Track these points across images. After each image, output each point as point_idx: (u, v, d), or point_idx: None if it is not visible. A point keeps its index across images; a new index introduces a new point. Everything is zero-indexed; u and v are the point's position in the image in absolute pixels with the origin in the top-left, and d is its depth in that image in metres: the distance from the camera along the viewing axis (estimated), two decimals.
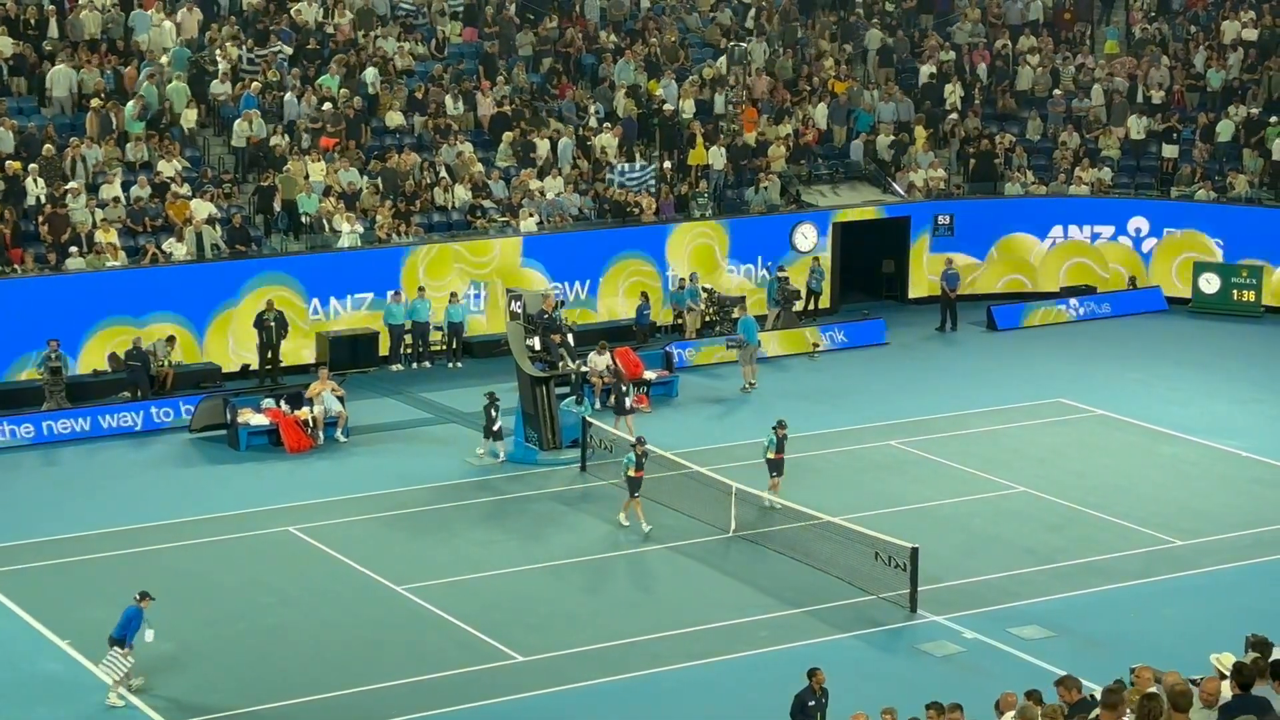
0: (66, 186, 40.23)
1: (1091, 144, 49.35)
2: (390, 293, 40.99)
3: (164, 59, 44.41)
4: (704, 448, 35.35)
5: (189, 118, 43.06)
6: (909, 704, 23.12)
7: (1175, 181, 48.22)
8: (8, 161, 40.54)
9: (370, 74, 45.75)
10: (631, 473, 31.50)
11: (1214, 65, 50.59)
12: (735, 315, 41.94)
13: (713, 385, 40.68)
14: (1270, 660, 17.44)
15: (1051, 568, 29.21)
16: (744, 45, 50.48)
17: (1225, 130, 48.63)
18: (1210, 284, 46.59)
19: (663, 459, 33.71)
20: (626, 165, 45.39)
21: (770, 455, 32.30)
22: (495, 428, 35.44)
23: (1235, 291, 46.42)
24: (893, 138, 48.53)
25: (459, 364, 41.47)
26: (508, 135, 45.30)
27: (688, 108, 47.50)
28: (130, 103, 42.66)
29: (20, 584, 29.22)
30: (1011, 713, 20.22)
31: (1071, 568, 29.56)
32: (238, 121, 43.08)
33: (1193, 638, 25.10)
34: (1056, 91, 50.47)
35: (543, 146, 45.13)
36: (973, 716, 20.26)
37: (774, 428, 32.36)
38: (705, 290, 43.89)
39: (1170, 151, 48.70)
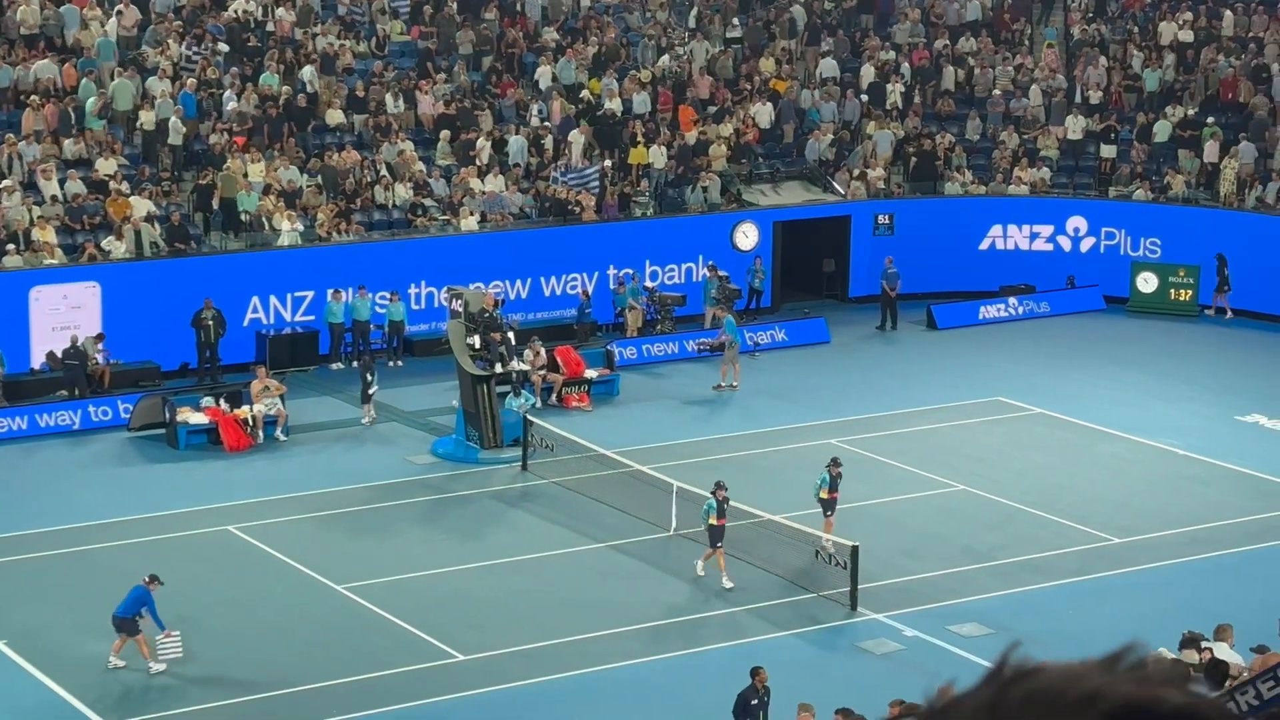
0: (1, 184, 39.93)
1: (1030, 144, 49.56)
2: (330, 291, 40.83)
3: (105, 57, 44.12)
4: (646, 446, 35.34)
5: (147, 119, 42.67)
6: (851, 701, 23.19)
7: (1113, 181, 48.48)
8: None
9: (308, 72, 45.58)
10: (713, 521, 28.96)
11: (1151, 66, 50.90)
12: (719, 315, 41.82)
13: (654, 384, 40.68)
14: (1209, 662, 17.59)
15: (990, 566, 29.36)
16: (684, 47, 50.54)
17: (1162, 131, 48.93)
18: (1148, 284, 46.84)
19: (604, 457, 33.73)
20: (568, 164, 45.36)
21: (823, 495, 30.17)
22: (370, 391, 36.51)
23: (1173, 291, 46.67)
24: (832, 136, 48.62)
25: (400, 362, 41.34)
26: (445, 134, 45.19)
27: (641, 103, 47.48)
28: (91, 99, 42.45)
29: None
30: None
31: (1010, 565, 29.70)
32: (173, 119, 42.85)
33: (1130, 635, 25.18)
34: (995, 92, 50.67)
35: (484, 145, 45.03)
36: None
37: (828, 466, 30.44)
38: (647, 289, 43.89)
39: (1108, 152, 48.96)
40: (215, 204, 41.63)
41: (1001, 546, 30.47)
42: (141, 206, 40.41)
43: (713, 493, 29.06)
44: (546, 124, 46.38)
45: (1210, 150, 47.77)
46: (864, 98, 50.04)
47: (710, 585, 29.12)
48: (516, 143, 45.45)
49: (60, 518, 31.78)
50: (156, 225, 40.33)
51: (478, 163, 44.70)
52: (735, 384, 39.93)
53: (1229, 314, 45.83)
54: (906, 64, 51.34)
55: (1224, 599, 27.35)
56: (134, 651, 25.68)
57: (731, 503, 29.80)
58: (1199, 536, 31.52)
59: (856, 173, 47.77)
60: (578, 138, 45.81)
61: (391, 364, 41.23)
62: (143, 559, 30.00)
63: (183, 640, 26.51)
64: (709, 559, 28.95)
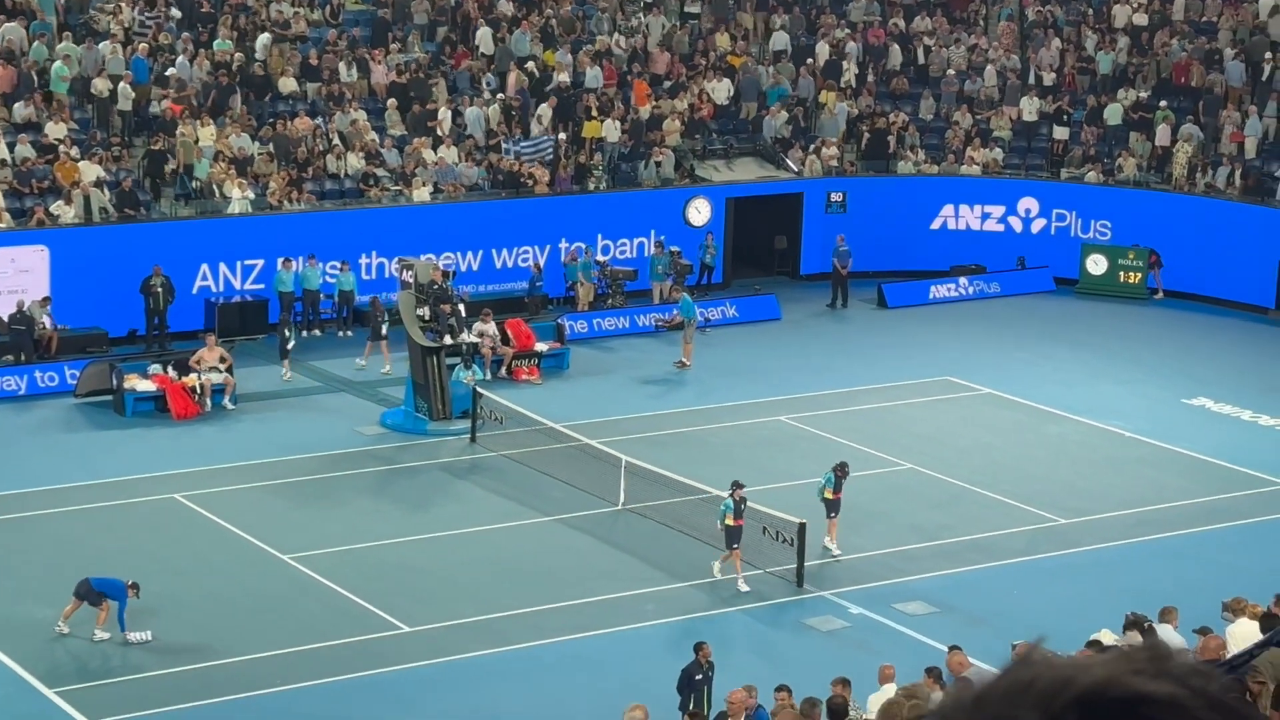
0: None
1: (983, 124, 49.66)
2: (280, 260, 40.64)
3: (52, 20, 43.82)
4: (594, 420, 35.32)
5: (99, 86, 42.32)
6: (795, 678, 23.23)
7: (1065, 163, 48.63)
8: None
9: (263, 39, 45.31)
10: (730, 521, 28.06)
11: (1104, 49, 51.03)
12: (676, 294, 41.80)
13: (603, 358, 40.66)
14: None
15: (936, 545, 29.43)
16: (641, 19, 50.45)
17: (1114, 114, 49.07)
18: (1098, 265, 47.02)
19: (553, 431, 33.70)
20: (522, 136, 45.25)
21: (828, 494, 29.29)
22: (288, 347, 37.17)
23: (1122, 273, 46.87)
24: (786, 115, 48.59)
25: (349, 332, 41.18)
26: (392, 102, 45.00)
27: (594, 77, 47.40)
28: (59, 63, 42.17)
29: None
30: (890, 686, 20.43)
31: (956, 545, 29.80)
32: (124, 85, 42.57)
33: (1074, 615, 25.41)
34: (950, 71, 50.73)
35: (445, 116, 44.89)
36: (856, 690, 20.39)
37: (834, 467, 29.60)
38: (599, 263, 43.83)
39: (1061, 133, 49.10)
40: (172, 168, 41.37)
41: (948, 526, 30.54)
42: (91, 172, 40.14)
43: (730, 493, 28.12)
44: (500, 95, 46.22)
45: (1162, 134, 47.95)
46: (816, 75, 50.05)
47: (660, 561, 29.13)
48: (473, 114, 45.28)
49: (4, 483, 31.55)
50: (106, 191, 40.08)
51: (440, 132, 44.54)
52: (687, 363, 39.92)
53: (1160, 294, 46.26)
54: (852, 42, 51.21)
55: (1169, 581, 27.51)
56: (87, 619, 25.51)
57: (691, 483, 29.80)
58: (1145, 518, 31.68)
59: (812, 149, 47.80)
60: (546, 110, 45.72)
61: (341, 334, 41.09)
62: (88, 526, 29.92)
63: (127, 609, 26.44)
64: (727, 561, 28.15)
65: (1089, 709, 1.93)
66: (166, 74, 43.45)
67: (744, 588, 27.91)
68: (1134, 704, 1.91)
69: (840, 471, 29.24)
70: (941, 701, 2.05)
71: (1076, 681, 1.95)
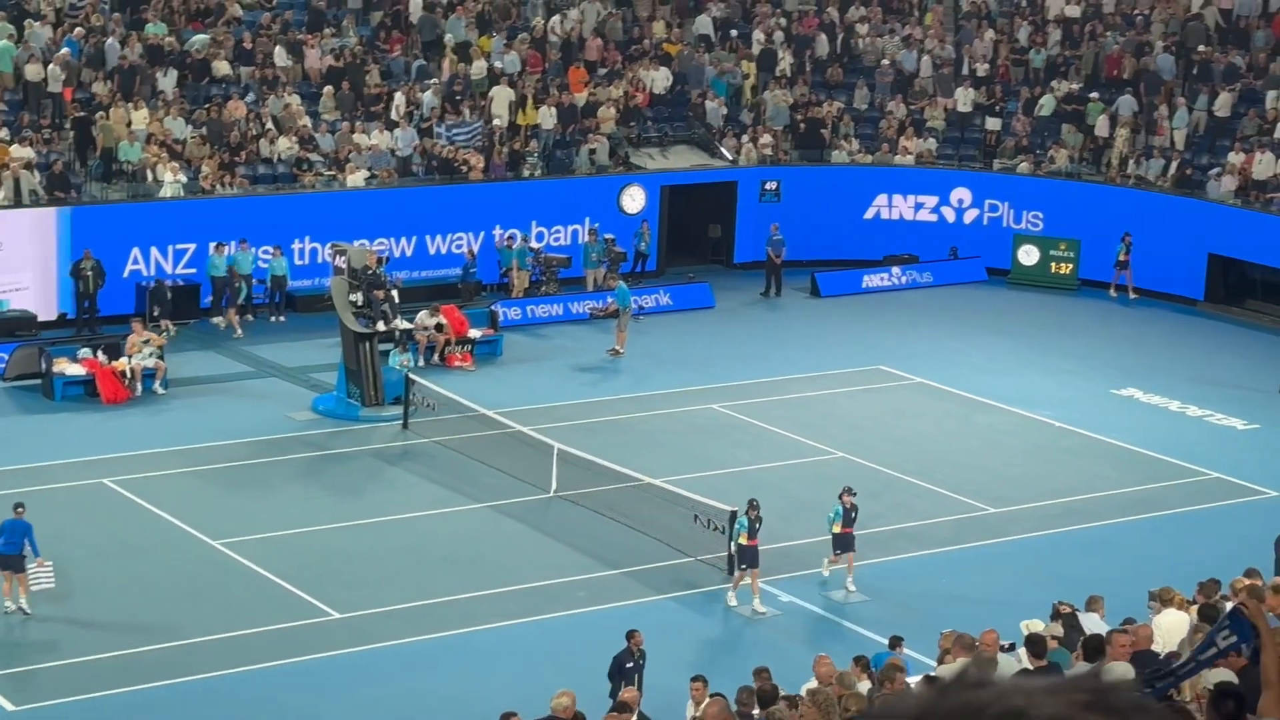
0: None
1: (917, 114, 49.80)
2: (212, 244, 40.41)
3: None
4: (527, 407, 35.29)
5: (32, 71, 41.94)
6: (726, 666, 23.31)
7: (998, 154, 48.83)
8: None
9: (201, 38, 45.06)
10: (743, 540, 26.89)
11: (1037, 42, 51.24)
12: (611, 282, 41.80)
13: (537, 345, 40.61)
14: (1083, 640, 17.79)
15: (867, 533, 29.43)
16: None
17: (1048, 105, 49.31)
18: (1029, 256, 47.26)
19: (485, 418, 33.65)
20: (453, 121, 45.11)
21: (837, 529, 27.76)
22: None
23: (1053, 264, 47.12)
24: (725, 110, 48.60)
25: (282, 318, 40.99)
26: (329, 90, 44.83)
27: (511, 63, 47.30)
28: (4, 41, 41.82)
29: None
30: (823, 671, 20.47)
31: (886, 533, 29.90)
32: (54, 67, 42.23)
33: (1003, 604, 25.55)
34: (884, 61, 50.84)
35: (400, 100, 44.74)
36: (787, 678, 20.43)
37: (841, 495, 27.88)
38: (533, 250, 43.75)
39: (994, 124, 49.30)
40: (93, 153, 41.13)
41: (878, 514, 30.60)
42: (21, 154, 39.82)
43: (745, 512, 27.00)
44: (433, 81, 46.04)
45: (1101, 125, 48.18)
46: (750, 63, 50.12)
47: (591, 548, 29.14)
48: (429, 100, 45.08)
49: None
50: (36, 173, 39.76)
51: (394, 115, 44.34)
52: (621, 350, 39.92)
53: (1131, 293, 46.13)
54: (777, 32, 51.19)
55: (1096, 570, 27.69)
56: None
57: (622, 470, 29.78)
58: (1073, 508, 31.88)
59: (747, 138, 47.86)
60: (501, 92, 45.59)
61: (274, 319, 40.90)
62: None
63: (54, 594, 26.28)
64: (740, 584, 27.07)
65: None
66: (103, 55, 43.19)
67: (761, 609, 26.78)
68: None
69: (848, 502, 27.62)
70: (877, 710, 2.03)
71: (1031, 713, 1.93)
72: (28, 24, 43.24)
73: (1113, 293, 46.18)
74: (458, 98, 45.75)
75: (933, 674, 16.97)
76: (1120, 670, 19.97)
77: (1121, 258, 45.72)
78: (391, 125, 44.27)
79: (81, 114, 41.67)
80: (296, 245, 41.91)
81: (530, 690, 21.38)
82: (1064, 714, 1.89)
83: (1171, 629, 19.20)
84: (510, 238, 43.59)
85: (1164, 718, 1.86)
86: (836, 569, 28.01)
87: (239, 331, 39.62)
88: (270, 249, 40.99)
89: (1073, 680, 2.01)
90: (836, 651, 22.57)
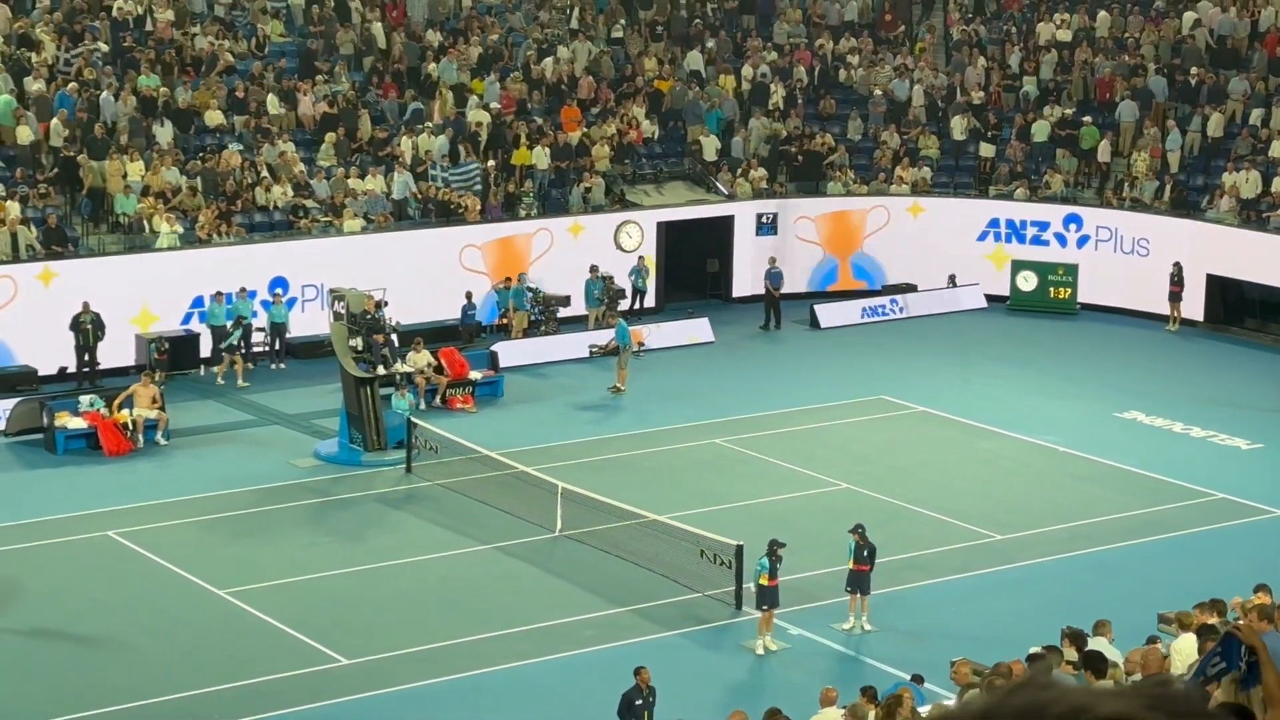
0: None
1: (911, 144, 49.90)
2: (212, 294, 40.48)
3: None
4: (530, 447, 35.28)
5: (23, 135, 42.04)
6: (736, 700, 23.28)
7: (993, 181, 48.92)
8: None
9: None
10: (764, 581, 26.66)
11: (1029, 67, 51.36)
12: (611, 320, 41.92)
13: (537, 385, 40.64)
14: (1084, 651, 17.78)
15: (877, 563, 29.44)
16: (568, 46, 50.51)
17: (1041, 130, 49.42)
18: (1028, 281, 47.29)
19: (488, 459, 33.66)
20: (450, 165, 45.21)
21: (850, 565, 27.63)
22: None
23: (1052, 289, 47.16)
24: (718, 143, 48.74)
25: (282, 365, 41.02)
26: (330, 136, 44.98)
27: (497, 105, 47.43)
28: (6, 96, 42.01)
29: None
30: (832, 709, 20.47)
31: (893, 563, 29.84)
32: (54, 121, 42.38)
33: (1012, 630, 25.54)
34: (877, 91, 50.96)
35: (407, 145, 44.90)
36: (799, 710, 20.42)
37: (852, 531, 27.80)
38: (530, 290, 43.81)
39: (988, 151, 49.41)
40: (83, 192, 41.30)
41: (884, 544, 30.46)
42: (16, 209, 39.90)
43: (768, 554, 26.75)
44: (427, 124, 46.15)
45: (1103, 150, 48.25)
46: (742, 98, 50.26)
47: (598, 586, 29.12)
48: (440, 144, 45.19)
49: None
50: (33, 228, 39.85)
51: (402, 160, 44.43)
52: (621, 388, 39.98)
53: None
54: (766, 66, 51.30)
55: (1103, 594, 27.64)
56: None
57: (625, 508, 29.77)
58: (1079, 532, 31.87)
59: (740, 172, 47.96)
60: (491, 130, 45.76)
61: (274, 366, 40.92)
62: (21, 565, 29.69)
63: (49, 641, 26.30)
64: (766, 631, 26.77)
65: None
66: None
67: (772, 646, 26.68)
68: None
69: (860, 537, 27.49)
70: (944, 713, 2.04)
71: (1094, 711, 1.97)
72: (26, 81, 43.37)
73: (1172, 326, 45.41)
74: (453, 141, 45.84)
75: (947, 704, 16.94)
76: (1111, 654, 19.97)
77: (1173, 288, 45.16)
78: (395, 169, 44.30)
79: (68, 154, 41.74)
80: (295, 292, 41.93)
81: None
82: (1126, 712, 1.93)
83: (1187, 653, 19.14)
84: (507, 279, 43.63)
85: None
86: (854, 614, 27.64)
87: (242, 380, 39.58)
88: (269, 296, 41.08)
89: (1136, 684, 2.01)
90: (847, 683, 22.59)
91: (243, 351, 40.09)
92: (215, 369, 39.84)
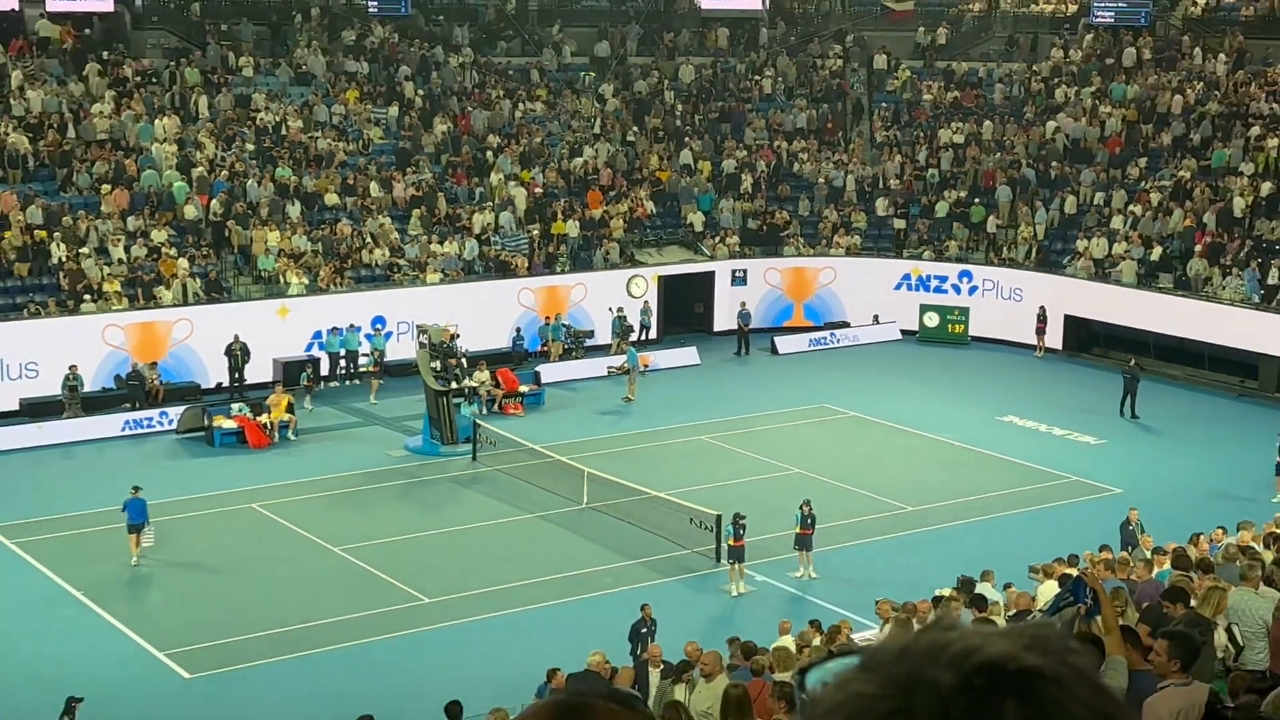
0: (80, 249, 39.44)
1: (846, 218, 49.86)
2: (329, 328, 40.57)
3: (156, 150, 43.62)
4: (564, 442, 35.30)
5: (190, 212, 42.14)
6: (717, 628, 23.25)
7: (906, 246, 48.89)
8: (36, 230, 39.71)
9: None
10: (732, 543, 26.61)
11: (933, 162, 51.37)
12: (624, 346, 42.02)
13: (570, 396, 40.65)
14: (972, 594, 17.77)
15: (818, 528, 29.47)
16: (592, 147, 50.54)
17: (941, 209, 49.40)
18: (932, 320, 47.28)
19: (533, 450, 33.67)
20: (506, 233, 45.27)
21: (798, 531, 27.29)
22: (314, 388, 35.26)
23: (950, 325, 47.13)
24: (703, 218, 48.75)
25: (381, 381, 41.02)
26: (417, 212, 45.06)
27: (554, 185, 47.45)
28: (179, 182, 42.01)
29: (44, 548, 28.60)
30: (787, 637, 20.44)
31: (832, 528, 29.84)
32: (213, 201, 42.52)
33: (920, 578, 25.51)
34: (820, 179, 50.95)
35: (480, 218, 44.93)
36: (764, 639, 20.41)
37: (800, 505, 27.41)
38: (565, 326, 43.89)
39: (902, 224, 49.39)
40: (234, 250, 41.40)
41: (824, 514, 30.50)
42: (185, 266, 40.02)
43: (733, 523, 26.76)
44: (488, 204, 46.17)
45: (991, 224, 48.17)
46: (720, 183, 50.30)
47: (614, 544, 29.12)
48: (507, 219, 45.19)
49: (120, 500, 31.27)
50: (197, 279, 39.95)
51: (470, 230, 44.40)
52: (631, 398, 40.02)
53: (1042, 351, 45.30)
54: (730, 160, 51.36)
55: (988, 551, 27.56)
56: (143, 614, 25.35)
57: (650, 492, 29.71)
58: (970, 505, 31.85)
59: (719, 239, 47.98)
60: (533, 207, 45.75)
61: (375, 382, 40.96)
62: (187, 529, 29.74)
63: (211, 585, 26.32)
64: (737, 576, 26.75)
65: (991, 675, 1.84)
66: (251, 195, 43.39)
67: (735, 592, 26.48)
68: (1026, 675, 1.84)
69: (806, 510, 27.38)
70: (871, 648, 1.94)
71: (984, 651, 1.86)
72: (192, 171, 43.49)
73: (1038, 353, 45.25)
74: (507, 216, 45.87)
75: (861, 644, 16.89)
76: (992, 595, 19.91)
77: (1039, 325, 45.18)
78: (465, 237, 44.34)
79: (218, 219, 41.87)
80: (391, 328, 41.96)
81: (571, 651, 21.37)
82: (1009, 652, 1.84)
83: (1049, 595, 19.15)
84: (547, 318, 43.68)
85: (1088, 655, 1.81)
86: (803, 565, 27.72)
87: (373, 398, 39.15)
88: (372, 330, 41.15)
89: (1020, 626, 1.92)
90: (798, 617, 22.59)
91: (375, 372, 40.02)
92: (370, 384, 39.38)
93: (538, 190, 47.37)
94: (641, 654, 21.00)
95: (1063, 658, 1.88)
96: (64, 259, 39.21)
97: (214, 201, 42.52)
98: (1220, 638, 12.76)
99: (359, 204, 44.99)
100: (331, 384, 40.41)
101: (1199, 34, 52.99)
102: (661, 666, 18.72)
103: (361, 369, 40.94)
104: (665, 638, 22.06)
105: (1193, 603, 12.99)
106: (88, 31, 46.89)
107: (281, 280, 41.25)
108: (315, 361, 40.02)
